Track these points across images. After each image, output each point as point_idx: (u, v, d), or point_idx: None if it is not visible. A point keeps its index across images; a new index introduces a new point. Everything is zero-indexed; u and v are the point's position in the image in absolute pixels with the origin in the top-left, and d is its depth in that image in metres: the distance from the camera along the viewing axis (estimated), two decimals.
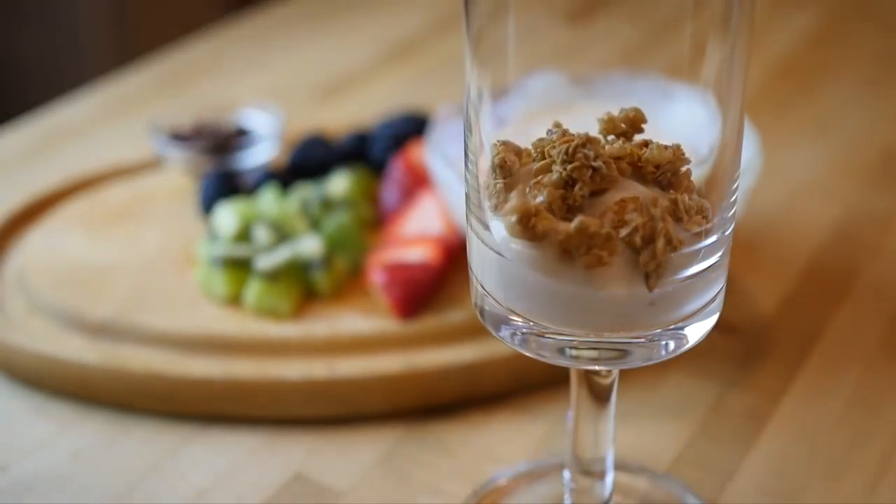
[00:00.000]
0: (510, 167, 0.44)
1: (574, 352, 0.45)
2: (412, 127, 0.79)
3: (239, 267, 0.69)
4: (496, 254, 0.44)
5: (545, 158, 0.44)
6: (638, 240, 0.42)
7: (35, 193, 0.79)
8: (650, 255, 0.42)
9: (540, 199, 0.43)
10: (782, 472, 0.59)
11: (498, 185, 0.44)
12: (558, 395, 0.63)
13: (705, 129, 0.44)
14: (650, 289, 0.43)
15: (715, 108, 0.44)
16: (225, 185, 0.76)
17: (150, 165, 0.83)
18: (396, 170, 0.75)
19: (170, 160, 0.80)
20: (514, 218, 0.43)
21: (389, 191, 0.75)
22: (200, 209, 0.76)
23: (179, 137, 0.82)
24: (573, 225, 0.42)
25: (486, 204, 0.45)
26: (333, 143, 0.80)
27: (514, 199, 0.43)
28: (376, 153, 0.79)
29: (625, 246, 0.42)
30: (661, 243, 0.42)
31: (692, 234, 0.43)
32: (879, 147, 0.88)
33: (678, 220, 0.43)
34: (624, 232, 0.42)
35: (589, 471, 0.53)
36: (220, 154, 0.81)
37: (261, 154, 0.81)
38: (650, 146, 0.44)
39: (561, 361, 0.46)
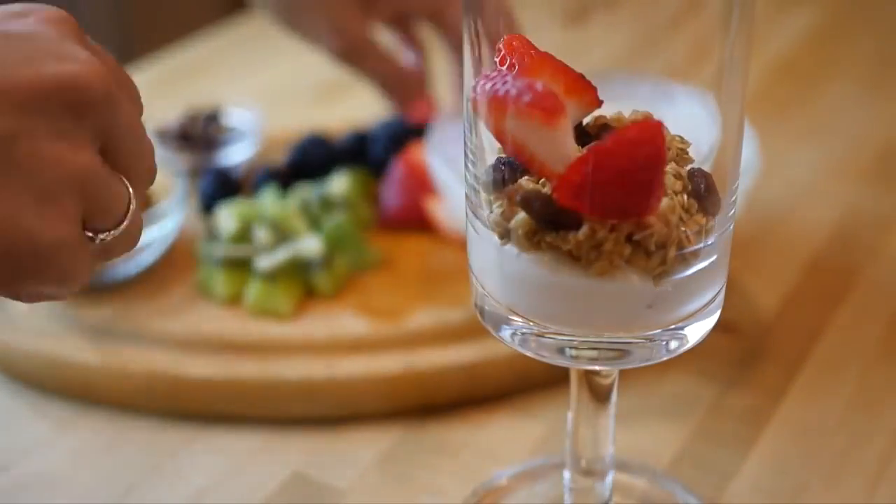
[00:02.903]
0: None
1: (574, 352, 0.45)
2: (411, 127, 0.79)
3: (239, 267, 0.69)
4: (497, 254, 0.44)
5: None
6: (652, 245, 0.42)
7: None
8: (660, 261, 0.42)
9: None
10: (782, 472, 0.59)
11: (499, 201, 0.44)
12: (558, 395, 0.63)
13: (705, 129, 0.44)
14: (656, 286, 0.43)
15: (715, 108, 0.44)
16: (224, 185, 0.76)
17: None
18: (397, 170, 0.75)
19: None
20: (521, 231, 0.43)
21: (389, 191, 0.75)
22: (200, 209, 0.76)
23: (165, 136, 0.82)
24: (581, 232, 0.42)
25: (486, 213, 0.45)
26: (333, 143, 0.80)
27: (523, 213, 0.43)
28: (376, 153, 0.78)
29: (631, 248, 0.42)
30: (672, 251, 0.42)
31: (692, 234, 0.43)
32: (879, 147, 0.88)
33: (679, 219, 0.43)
34: (639, 236, 0.42)
35: (589, 471, 0.53)
36: (200, 152, 0.81)
37: (241, 152, 0.82)
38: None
39: (561, 361, 0.46)
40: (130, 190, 0.42)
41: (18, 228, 0.38)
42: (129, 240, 0.44)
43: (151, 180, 0.45)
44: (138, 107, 0.44)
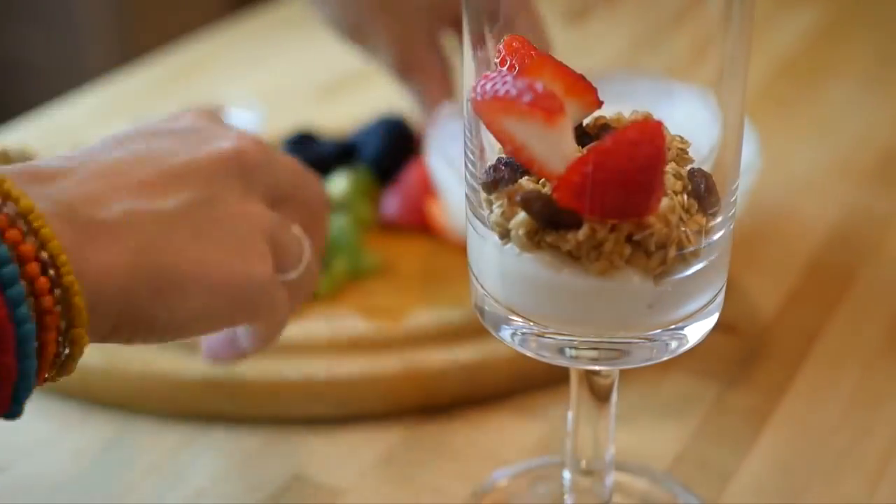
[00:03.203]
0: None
1: (574, 352, 0.45)
2: (404, 128, 0.80)
3: None
4: (497, 254, 0.44)
5: None
6: (652, 245, 0.42)
7: None
8: (660, 261, 0.42)
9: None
10: (782, 472, 0.59)
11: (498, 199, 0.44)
12: (558, 395, 0.63)
13: (705, 129, 0.44)
14: (656, 286, 0.43)
15: (715, 108, 0.44)
16: None
17: None
18: (407, 178, 0.75)
19: None
20: (521, 231, 0.43)
21: (393, 198, 0.75)
22: None
23: None
24: (581, 232, 0.42)
25: (486, 213, 0.45)
26: (328, 143, 0.80)
27: (523, 213, 0.43)
28: (370, 153, 0.78)
29: (631, 248, 0.42)
30: (672, 251, 0.42)
31: (692, 234, 0.43)
32: (879, 147, 0.88)
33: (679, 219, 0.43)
34: (639, 236, 0.42)
35: (589, 471, 0.53)
36: None
37: None
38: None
39: (561, 361, 0.46)
40: (302, 235, 0.51)
41: (233, 270, 0.46)
42: (310, 279, 0.52)
43: (325, 211, 0.55)
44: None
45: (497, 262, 0.45)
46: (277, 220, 0.49)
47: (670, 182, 0.43)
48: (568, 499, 0.54)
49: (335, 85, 0.99)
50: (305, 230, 0.52)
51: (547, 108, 0.41)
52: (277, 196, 0.50)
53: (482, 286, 0.47)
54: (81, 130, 0.92)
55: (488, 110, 0.42)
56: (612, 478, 0.53)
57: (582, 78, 0.43)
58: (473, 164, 0.46)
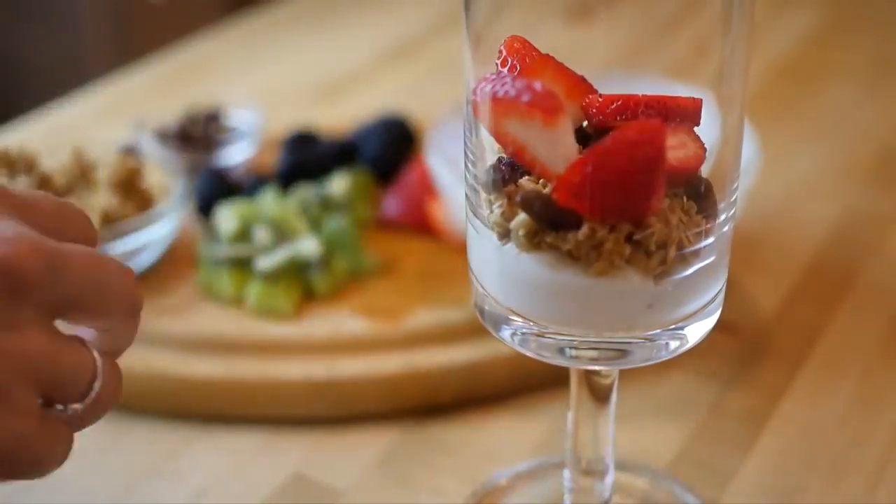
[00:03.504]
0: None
1: (574, 352, 0.45)
2: (404, 128, 0.80)
3: (244, 267, 0.69)
4: (497, 254, 0.44)
5: None
6: (652, 245, 0.42)
7: None
8: (660, 261, 0.42)
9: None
10: (782, 472, 0.59)
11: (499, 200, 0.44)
12: (558, 395, 0.63)
13: (705, 129, 0.44)
14: (656, 286, 0.43)
15: (715, 108, 0.44)
16: (221, 185, 0.75)
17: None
18: (408, 178, 0.75)
19: (154, 159, 0.80)
20: (521, 232, 0.43)
21: (393, 198, 0.75)
22: (197, 209, 0.75)
23: (165, 136, 0.82)
24: (581, 232, 0.42)
25: (486, 213, 0.45)
26: (328, 143, 0.80)
27: (523, 213, 0.43)
28: (370, 153, 0.78)
29: (631, 248, 0.42)
30: (672, 251, 0.42)
31: (692, 234, 0.43)
32: (879, 147, 0.88)
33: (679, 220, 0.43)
34: (639, 236, 0.42)
35: (589, 471, 0.53)
36: (200, 152, 0.81)
37: (241, 152, 0.82)
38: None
39: (561, 361, 0.46)
40: (95, 354, 0.40)
41: None
42: (104, 404, 0.40)
43: (134, 312, 0.41)
44: (90, 237, 0.42)
45: (497, 262, 0.45)
46: (52, 349, 0.38)
47: None
48: (568, 499, 0.54)
49: (335, 85, 0.99)
50: (105, 340, 0.41)
51: (546, 107, 0.41)
52: (65, 310, 0.39)
53: (482, 286, 0.47)
54: (81, 130, 0.92)
55: (488, 112, 0.42)
56: (612, 478, 0.53)
57: (583, 80, 0.43)
58: (473, 164, 0.46)
